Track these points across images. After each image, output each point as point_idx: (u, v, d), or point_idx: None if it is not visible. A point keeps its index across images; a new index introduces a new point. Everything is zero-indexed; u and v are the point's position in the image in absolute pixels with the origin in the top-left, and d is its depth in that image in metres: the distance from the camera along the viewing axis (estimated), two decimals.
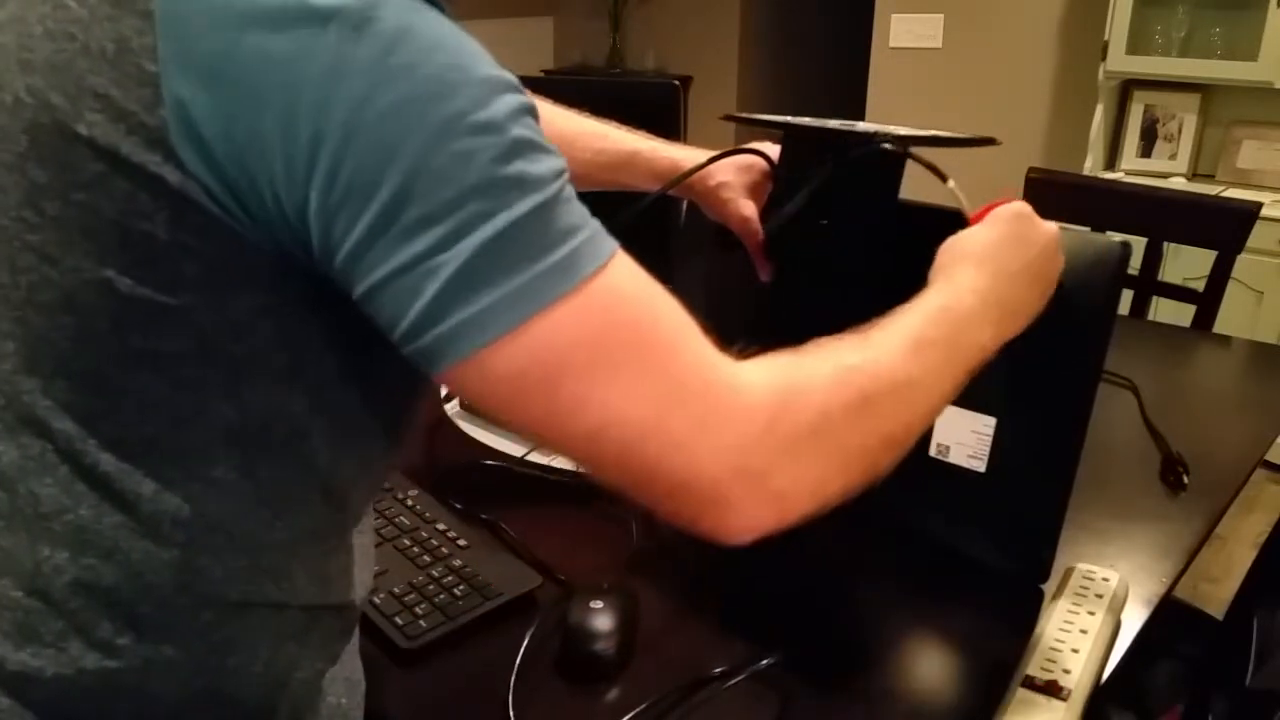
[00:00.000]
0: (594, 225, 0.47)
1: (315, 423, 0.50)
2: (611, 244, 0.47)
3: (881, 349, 0.56)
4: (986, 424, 0.82)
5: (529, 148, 0.45)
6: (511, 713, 0.67)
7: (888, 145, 0.79)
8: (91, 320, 0.45)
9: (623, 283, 0.47)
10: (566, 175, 0.46)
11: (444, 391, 1.20)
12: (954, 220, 0.73)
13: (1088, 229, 1.72)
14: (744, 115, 0.90)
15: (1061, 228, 0.76)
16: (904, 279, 0.85)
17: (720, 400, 0.48)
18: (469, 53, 0.44)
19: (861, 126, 0.83)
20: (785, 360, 0.53)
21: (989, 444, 0.82)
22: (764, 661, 0.71)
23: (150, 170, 0.42)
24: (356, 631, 0.63)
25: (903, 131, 0.79)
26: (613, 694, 0.69)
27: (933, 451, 0.85)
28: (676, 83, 1.28)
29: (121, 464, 0.47)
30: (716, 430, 0.48)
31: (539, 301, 0.44)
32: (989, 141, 0.80)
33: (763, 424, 0.49)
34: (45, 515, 0.47)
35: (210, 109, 0.41)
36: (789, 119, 0.87)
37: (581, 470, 0.50)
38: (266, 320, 0.46)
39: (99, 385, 0.46)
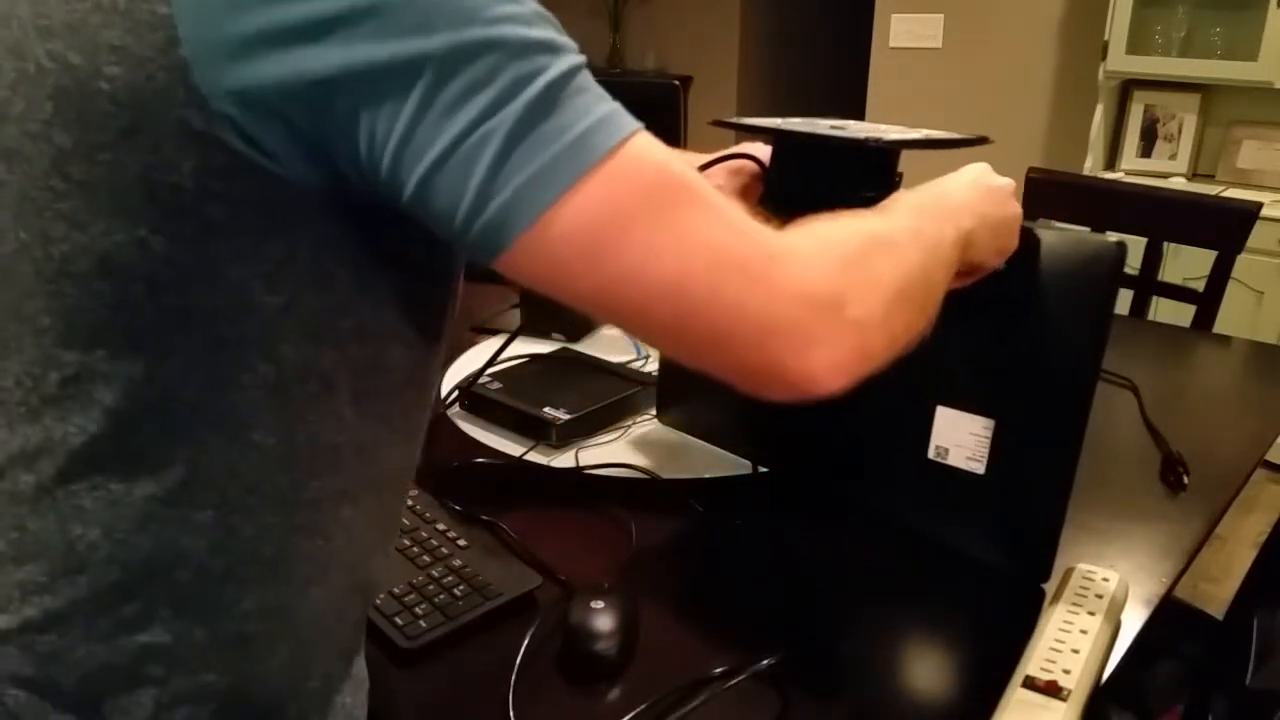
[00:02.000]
0: (615, 105, 0.48)
1: (342, 376, 0.50)
2: (629, 121, 0.48)
3: (883, 211, 0.61)
4: (985, 426, 0.82)
5: (549, 22, 0.46)
6: (511, 713, 0.67)
7: (877, 149, 0.79)
8: (127, 283, 0.45)
9: (646, 150, 0.48)
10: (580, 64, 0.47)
11: (444, 391, 1.20)
12: None
13: (1087, 229, 1.72)
14: (733, 120, 0.90)
15: (1058, 227, 0.76)
16: None
17: (779, 239, 0.50)
18: None
19: (853, 128, 0.83)
20: (799, 225, 0.54)
21: (988, 446, 0.82)
22: (764, 662, 0.71)
23: (175, 114, 0.42)
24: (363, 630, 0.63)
25: (894, 135, 0.79)
26: (613, 694, 0.69)
27: (931, 454, 0.85)
28: (676, 83, 1.28)
29: (161, 432, 0.47)
30: (785, 263, 0.49)
31: (596, 151, 0.45)
32: (981, 141, 0.80)
33: (822, 252, 0.51)
34: (76, 493, 0.47)
35: (235, 16, 0.41)
36: (779, 123, 0.87)
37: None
38: (296, 268, 0.47)
39: (138, 351, 0.46)
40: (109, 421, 0.47)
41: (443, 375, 0.62)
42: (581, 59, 0.46)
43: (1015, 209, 0.74)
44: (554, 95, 0.44)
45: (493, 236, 0.45)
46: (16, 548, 0.48)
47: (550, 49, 0.45)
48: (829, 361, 0.50)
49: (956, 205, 0.67)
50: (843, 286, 0.51)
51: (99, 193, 0.44)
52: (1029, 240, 0.77)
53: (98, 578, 0.48)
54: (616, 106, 0.47)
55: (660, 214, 0.46)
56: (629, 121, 0.47)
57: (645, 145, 0.47)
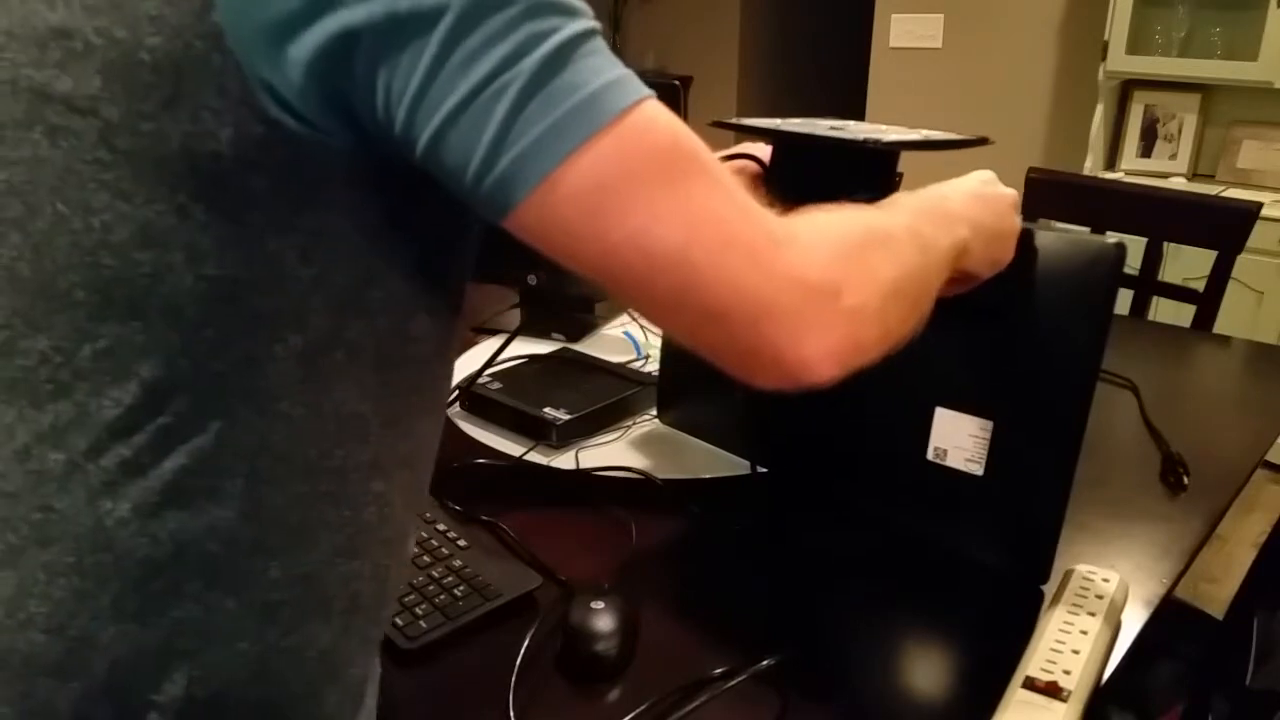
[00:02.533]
0: (620, 69, 0.48)
1: (369, 346, 0.51)
2: (638, 86, 0.48)
3: (883, 208, 0.61)
4: (983, 427, 0.82)
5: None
6: (511, 713, 0.67)
7: (875, 150, 0.79)
8: (166, 253, 0.45)
9: (654, 117, 0.48)
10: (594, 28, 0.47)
11: None
12: None
13: (1087, 229, 1.72)
14: (732, 121, 0.90)
15: (1058, 228, 0.76)
16: None
17: (782, 224, 0.50)
18: None
19: (852, 129, 0.83)
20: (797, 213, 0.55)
21: (986, 447, 0.82)
22: (764, 662, 0.71)
23: (213, 82, 0.43)
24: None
25: (893, 136, 0.79)
26: (613, 694, 0.69)
27: (930, 455, 0.85)
28: (676, 83, 1.28)
29: (193, 403, 0.47)
30: (786, 248, 0.49)
31: (608, 111, 0.45)
32: (981, 142, 0.80)
33: (824, 242, 0.52)
34: (106, 469, 0.47)
35: None
36: (778, 124, 0.87)
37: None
38: (329, 240, 0.47)
39: (174, 322, 0.46)
40: (144, 393, 0.47)
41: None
42: (596, 24, 0.47)
43: (1014, 223, 0.74)
44: (567, 54, 0.44)
45: (503, 193, 0.45)
46: (41, 530, 0.48)
47: (566, 10, 0.45)
48: (822, 348, 0.50)
49: (955, 213, 0.67)
50: (840, 276, 0.51)
51: (144, 162, 0.44)
52: (1028, 246, 0.77)
53: (126, 554, 0.48)
54: (629, 72, 0.47)
55: (669, 181, 0.47)
56: (642, 87, 0.47)
57: (658, 111, 0.47)
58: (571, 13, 0.45)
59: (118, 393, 0.47)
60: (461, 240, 0.55)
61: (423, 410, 0.57)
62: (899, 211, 0.62)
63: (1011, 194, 0.74)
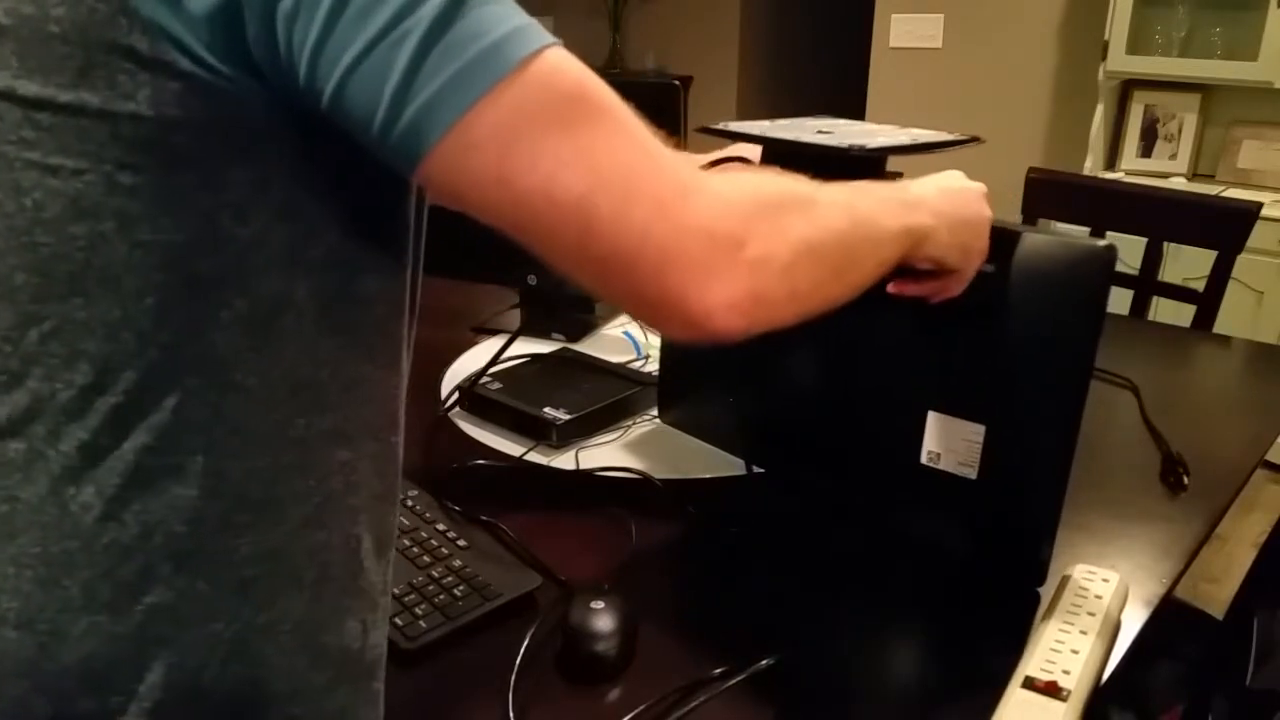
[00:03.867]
0: (522, 16, 0.48)
1: (316, 307, 0.51)
2: (541, 33, 0.48)
3: (819, 185, 0.60)
4: (976, 431, 0.82)
5: None
6: (511, 713, 0.67)
7: (860, 156, 0.79)
8: (99, 223, 0.45)
9: (559, 63, 0.48)
10: None
11: (444, 392, 1.20)
12: None
13: (1087, 229, 1.72)
14: (719, 127, 0.90)
15: (1056, 229, 0.76)
16: (886, 284, 0.84)
17: (694, 174, 0.50)
18: None
19: (840, 131, 0.83)
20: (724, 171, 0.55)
21: (979, 451, 0.82)
22: (763, 663, 0.71)
23: (120, 43, 0.43)
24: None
25: (880, 139, 0.79)
26: (612, 695, 0.69)
27: (924, 459, 0.85)
28: (676, 83, 1.28)
29: (144, 378, 0.47)
30: (694, 197, 0.49)
31: (511, 59, 0.45)
32: (972, 141, 0.80)
33: (735, 195, 0.52)
34: (67, 454, 0.47)
35: None
36: (766, 127, 0.87)
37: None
38: (264, 198, 0.47)
39: (115, 294, 0.46)
40: (94, 371, 0.47)
41: (415, 328, 0.62)
42: None
43: (982, 211, 0.74)
44: (466, 1, 0.44)
45: (409, 145, 0.45)
46: (8, 522, 0.48)
47: None
48: (724, 298, 0.51)
49: (912, 200, 0.67)
50: (745, 228, 0.51)
51: (67, 134, 0.44)
52: (1008, 239, 0.76)
53: (93, 540, 0.48)
54: (533, 21, 0.47)
55: (573, 127, 0.46)
56: (545, 35, 0.47)
57: (562, 58, 0.47)
58: None
59: (69, 374, 0.47)
60: (404, 194, 0.55)
61: (383, 375, 0.56)
62: (841, 189, 0.62)
63: (979, 186, 0.74)
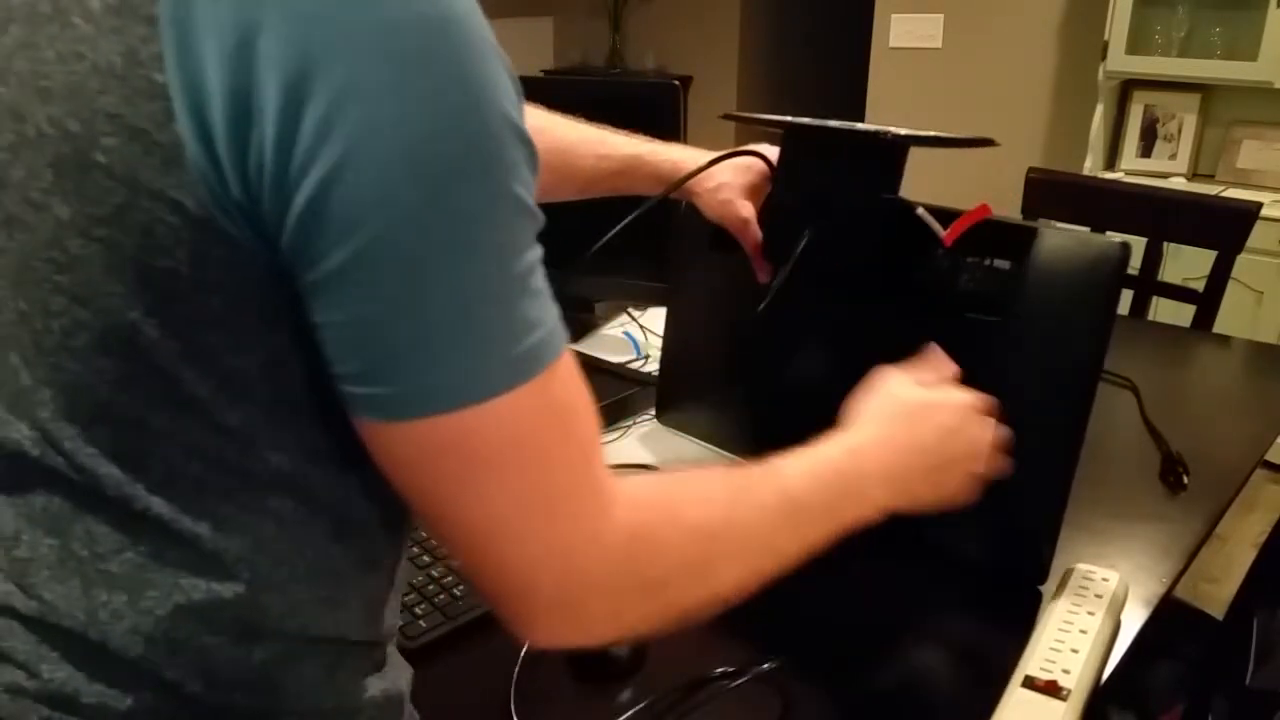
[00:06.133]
0: (554, 316, 0.46)
1: (357, 453, 0.48)
2: (564, 338, 0.46)
3: (755, 510, 0.57)
4: None
5: (523, 214, 0.44)
6: (513, 713, 0.67)
7: (889, 142, 0.79)
8: (127, 363, 0.43)
9: (564, 383, 0.46)
10: (541, 257, 0.45)
11: None
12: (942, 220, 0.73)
13: (1088, 229, 1.72)
14: (744, 115, 0.90)
15: (1061, 228, 0.76)
16: (899, 280, 0.85)
17: (581, 534, 0.47)
18: (498, 82, 0.42)
19: (861, 127, 0.84)
20: (661, 504, 0.52)
21: None
22: (765, 664, 0.71)
23: (170, 195, 0.40)
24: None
25: (902, 132, 0.79)
26: (613, 694, 0.69)
27: None
28: (676, 83, 1.28)
29: (173, 506, 0.45)
30: (566, 556, 0.47)
31: (485, 390, 0.43)
32: (987, 142, 0.80)
33: (605, 570, 0.49)
34: (102, 555, 0.45)
35: (219, 83, 0.38)
36: (790, 118, 0.87)
37: None
38: (290, 359, 0.45)
39: (140, 430, 0.44)
40: (121, 494, 0.45)
41: None
42: (534, 272, 0.44)
43: (968, 452, 0.69)
44: (484, 311, 0.43)
45: (358, 404, 0.43)
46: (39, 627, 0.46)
47: (502, 265, 0.43)
48: (540, 638, 0.50)
49: (856, 489, 0.62)
50: (596, 601, 0.50)
51: (96, 269, 0.41)
52: (1026, 236, 0.76)
53: (125, 648, 0.46)
54: (543, 336, 0.45)
55: (504, 467, 0.44)
56: (548, 354, 0.45)
57: (547, 386, 0.45)
58: (506, 266, 0.43)
59: (89, 494, 0.45)
60: None
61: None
62: (775, 508, 0.58)
63: (983, 436, 0.70)
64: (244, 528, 0.46)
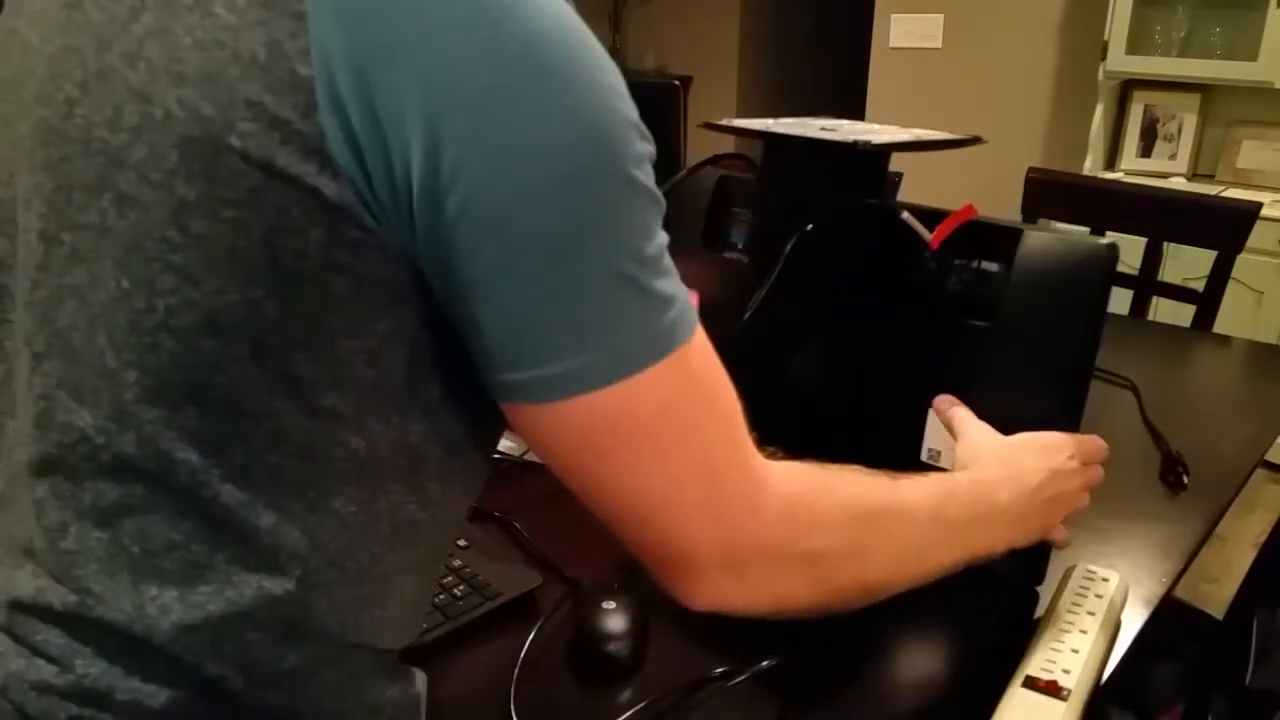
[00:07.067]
0: (685, 293, 0.48)
1: (430, 451, 0.49)
2: (695, 315, 0.49)
3: (904, 507, 0.60)
4: None
5: (652, 201, 0.46)
6: (514, 713, 0.67)
7: (866, 151, 0.79)
8: (232, 344, 0.43)
9: (701, 357, 0.49)
10: (668, 240, 0.48)
11: None
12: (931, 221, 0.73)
13: (1087, 229, 1.72)
14: (723, 123, 0.90)
15: (1048, 229, 0.76)
16: (888, 284, 0.85)
17: (740, 501, 0.51)
18: (617, 87, 0.45)
19: (844, 130, 0.84)
20: (814, 480, 0.56)
21: None
22: (764, 663, 0.71)
23: (306, 182, 0.41)
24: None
25: (884, 137, 0.79)
26: (614, 694, 0.69)
27: (924, 457, 0.85)
28: (676, 83, 1.28)
29: (242, 495, 0.45)
30: (728, 525, 0.51)
31: (633, 365, 0.45)
32: (974, 141, 0.80)
33: (765, 535, 0.52)
34: (153, 552, 0.45)
35: (356, 83, 0.40)
36: (770, 124, 0.87)
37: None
38: (397, 343, 0.46)
39: (232, 413, 0.44)
40: (194, 480, 0.45)
41: None
42: (665, 256, 0.47)
43: (1066, 509, 0.74)
44: (625, 292, 0.45)
45: (508, 390, 0.46)
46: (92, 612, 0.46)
47: (636, 254, 0.46)
48: (705, 599, 0.54)
49: (994, 523, 0.68)
50: (761, 565, 0.53)
51: (218, 250, 0.42)
52: (1010, 237, 0.76)
53: (169, 641, 0.46)
54: (677, 311, 0.47)
55: (652, 438, 0.48)
56: (684, 331, 0.48)
57: (686, 359, 0.48)
58: (642, 256, 0.46)
59: (155, 482, 0.45)
60: None
61: (463, 511, 0.57)
62: (922, 510, 0.62)
63: (1081, 494, 0.75)
64: (305, 525, 0.47)
